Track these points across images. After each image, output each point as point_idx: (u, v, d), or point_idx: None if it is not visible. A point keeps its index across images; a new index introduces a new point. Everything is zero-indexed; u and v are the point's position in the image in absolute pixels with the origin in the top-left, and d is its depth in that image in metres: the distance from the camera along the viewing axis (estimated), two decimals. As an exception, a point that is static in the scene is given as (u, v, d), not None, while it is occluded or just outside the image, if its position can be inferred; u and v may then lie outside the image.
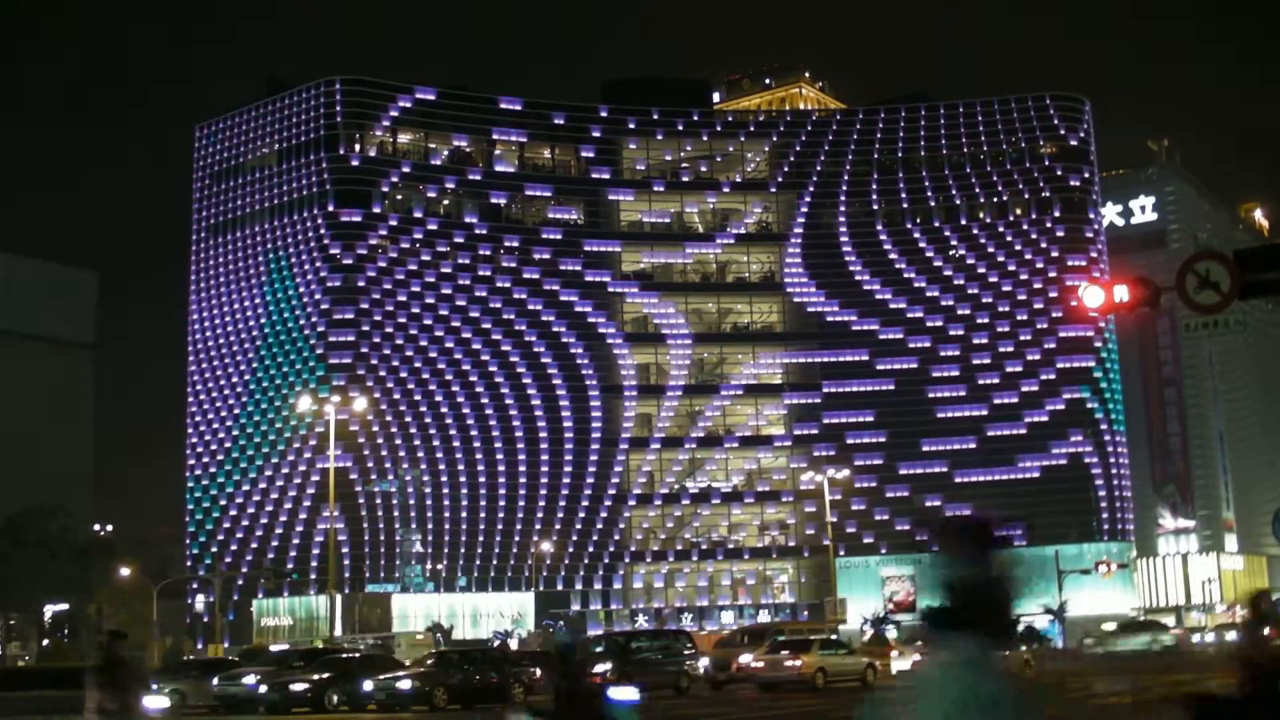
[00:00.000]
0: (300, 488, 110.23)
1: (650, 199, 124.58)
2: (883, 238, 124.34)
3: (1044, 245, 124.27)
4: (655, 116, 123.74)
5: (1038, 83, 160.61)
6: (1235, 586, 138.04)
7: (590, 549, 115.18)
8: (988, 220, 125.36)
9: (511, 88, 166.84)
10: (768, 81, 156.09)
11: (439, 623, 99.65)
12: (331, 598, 76.30)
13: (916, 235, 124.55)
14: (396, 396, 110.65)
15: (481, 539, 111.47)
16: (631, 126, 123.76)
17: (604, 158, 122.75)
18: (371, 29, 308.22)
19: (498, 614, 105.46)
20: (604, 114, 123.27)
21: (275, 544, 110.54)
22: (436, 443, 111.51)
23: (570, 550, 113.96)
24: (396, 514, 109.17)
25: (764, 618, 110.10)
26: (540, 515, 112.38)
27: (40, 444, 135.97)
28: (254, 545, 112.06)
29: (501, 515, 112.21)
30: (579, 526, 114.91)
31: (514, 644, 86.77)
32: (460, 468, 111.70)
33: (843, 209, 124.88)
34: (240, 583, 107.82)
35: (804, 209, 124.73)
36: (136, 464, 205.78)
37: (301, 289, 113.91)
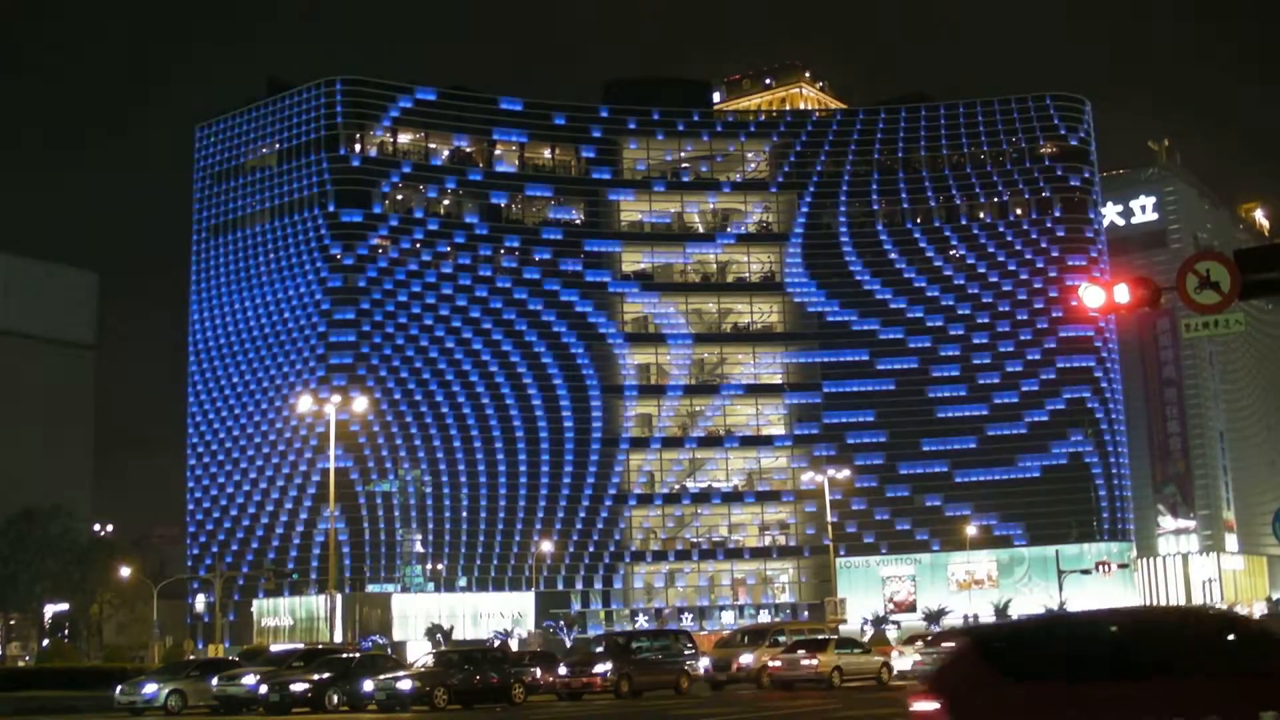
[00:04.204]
0: (300, 488, 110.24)
1: (650, 199, 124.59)
2: (883, 238, 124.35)
3: (1044, 245, 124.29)
4: (655, 117, 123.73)
5: (1038, 83, 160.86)
6: (1236, 586, 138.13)
7: (590, 549, 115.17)
8: (988, 220, 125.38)
9: (511, 88, 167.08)
10: (768, 81, 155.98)
11: (438, 624, 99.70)
12: (331, 598, 76.25)
13: (916, 235, 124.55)
14: (396, 396, 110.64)
15: (482, 539, 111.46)
16: (631, 127, 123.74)
17: (604, 158, 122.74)
18: (371, 29, 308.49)
19: (498, 614, 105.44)
20: (604, 114, 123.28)
21: (275, 544, 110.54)
22: (436, 443, 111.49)
23: (570, 550, 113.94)
24: (397, 514, 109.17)
25: (764, 618, 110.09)
26: (540, 515, 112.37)
27: (40, 444, 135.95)
28: (254, 545, 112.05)
29: (502, 515, 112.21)
30: (579, 526, 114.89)
31: (514, 644, 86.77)
32: (460, 468, 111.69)
33: (843, 209, 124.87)
34: (240, 583, 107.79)
35: (804, 209, 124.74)
36: (137, 464, 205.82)
37: (301, 289, 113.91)
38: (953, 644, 12.58)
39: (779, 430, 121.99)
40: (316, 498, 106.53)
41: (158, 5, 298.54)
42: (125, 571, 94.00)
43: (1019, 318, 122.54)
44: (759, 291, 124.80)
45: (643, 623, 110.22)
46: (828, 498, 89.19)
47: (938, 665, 13.36)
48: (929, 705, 10.89)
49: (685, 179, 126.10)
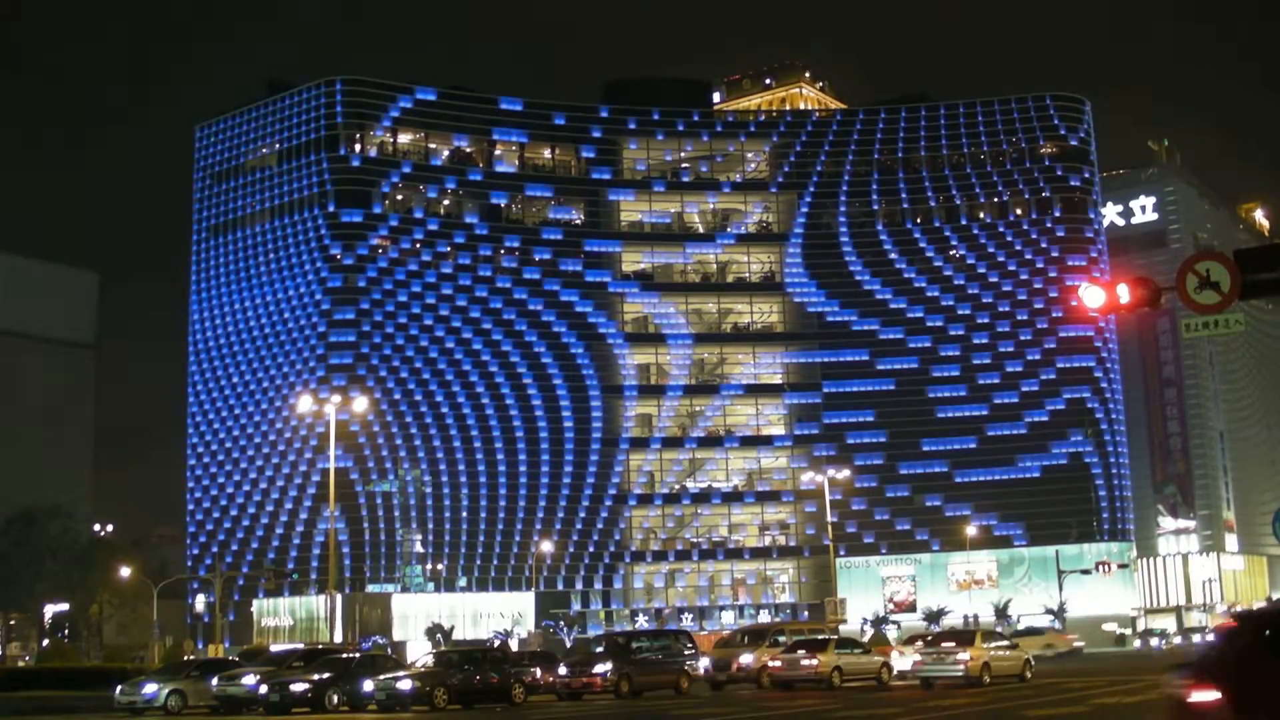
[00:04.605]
0: (300, 488, 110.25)
1: (650, 199, 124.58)
2: (883, 238, 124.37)
3: (1044, 245, 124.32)
4: (655, 117, 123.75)
5: (1038, 83, 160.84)
6: (1236, 586, 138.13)
7: (590, 549, 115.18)
8: (988, 220, 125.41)
9: (511, 88, 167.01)
10: (768, 82, 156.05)
11: (439, 624, 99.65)
12: (331, 598, 76.24)
13: (916, 235, 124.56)
14: (396, 396, 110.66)
15: (482, 539, 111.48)
16: (631, 127, 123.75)
17: (604, 158, 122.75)
18: (371, 29, 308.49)
19: (498, 614, 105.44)
20: (604, 114, 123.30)
21: (275, 544, 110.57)
22: (436, 443, 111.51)
23: (570, 550, 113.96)
24: (397, 514, 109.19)
25: (764, 618, 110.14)
26: (540, 515, 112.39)
27: (40, 444, 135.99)
28: (254, 545, 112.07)
29: (502, 515, 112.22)
30: (579, 526, 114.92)
31: (514, 644, 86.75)
32: (460, 468, 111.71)
33: (843, 209, 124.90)
34: (240, 583, 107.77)
35: (804, 209, 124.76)
36: (136, 464, 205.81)
37: (301, 289, 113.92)
38: (1224, 632, 11.87)
39: (779, 430, 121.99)
40: (316, 498, 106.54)
41: (158, 5, 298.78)
42: (125, 571, 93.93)
43: (1019, 318, 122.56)
44: (759, 291, 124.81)
45: (643, 623, 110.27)
46: (828, 498, 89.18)
47: (1204, 653, 12.86)
48: (1208, 695, 10.39)
49: (685, 179, 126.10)
